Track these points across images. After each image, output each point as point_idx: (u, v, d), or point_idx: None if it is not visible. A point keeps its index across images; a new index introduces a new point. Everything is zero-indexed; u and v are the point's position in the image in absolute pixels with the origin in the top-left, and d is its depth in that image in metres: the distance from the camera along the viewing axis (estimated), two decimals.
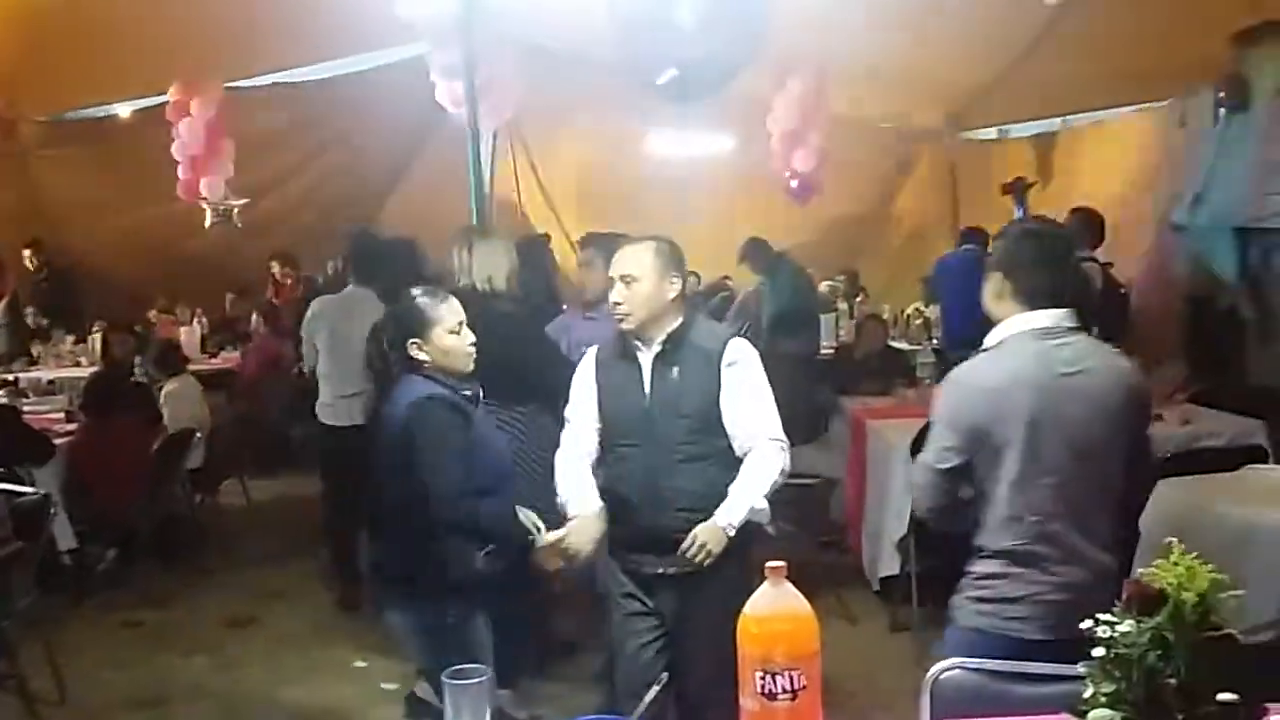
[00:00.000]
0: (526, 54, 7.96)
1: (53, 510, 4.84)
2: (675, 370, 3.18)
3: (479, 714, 1.78)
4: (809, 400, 5.98)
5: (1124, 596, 1.74)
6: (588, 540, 3.19)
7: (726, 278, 10.36)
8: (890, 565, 5.26)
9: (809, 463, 5.33)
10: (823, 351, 8.55)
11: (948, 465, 2.78)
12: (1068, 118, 9.99)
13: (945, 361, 5.70)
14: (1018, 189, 7.58)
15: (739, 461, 3.17)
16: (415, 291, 3.31)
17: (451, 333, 3.18)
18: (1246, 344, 6.57)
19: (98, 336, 8.79)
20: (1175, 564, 1.68)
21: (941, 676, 2.27)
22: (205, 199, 8.61)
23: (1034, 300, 2.78)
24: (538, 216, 10.82)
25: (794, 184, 9.08)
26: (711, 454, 3.16)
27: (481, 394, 3.29)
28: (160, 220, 9.67)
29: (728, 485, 3.13)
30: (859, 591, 5.46)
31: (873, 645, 4.85)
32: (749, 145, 9.64)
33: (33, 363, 9.02)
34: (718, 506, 3.10)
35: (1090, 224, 6.65)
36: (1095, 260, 6.59)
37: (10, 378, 8.30)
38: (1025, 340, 2.76)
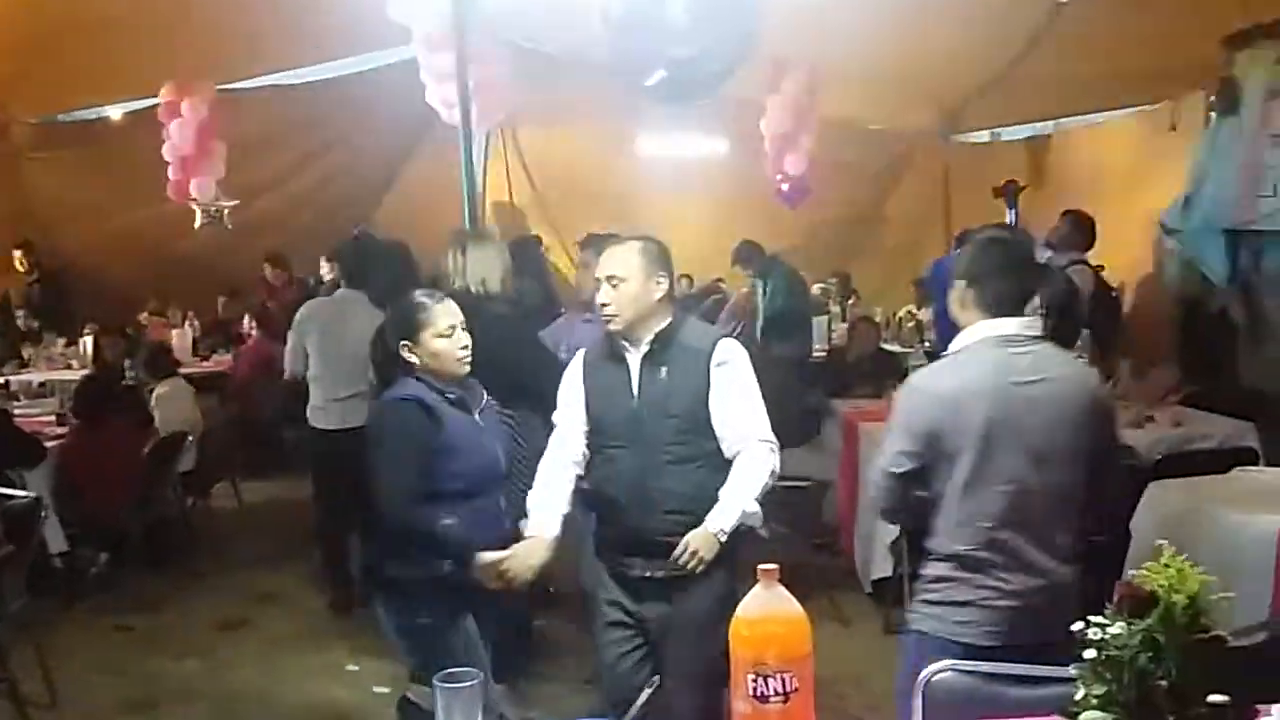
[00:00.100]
0: (518, 56, 7.96)
1: (44, 513, 4.84)
2: (664, 370, 3.16)
3: (470, 717, 1.78)
4: (801, 403, 5.99)
5: (1115, 599, 1.75)
6: (527, 568, 3.12)
7: (719, 280, 10.38)
8: (883, 567, 5.27)
9: (801, 465, 5.34)
10: (815, 354, 8.56)
11: (901, 470, 2.81)
12: (1060, 121, 10.02)
13: None
14: (1009, 192, 7.60)
15: (728, 464, 3.14)
16: (415, 293, 3.31)
17: (440, 336, 3.17)
18: (1237, 346, 6.59)
19: (89, 339, 8.76)
20: (1166, 566, 1.68)
21: (933, 679, 2.28)
22: (195, 200, 8.59)
23: (997, 308, 2.79)
24: (530, 218, 10.84)
25: (785, 187, 9.09)
26: (700, 456, 3.13)
27: (485, 397, 3.28)
28: (152, 222, 9.64)
29: (717, 488, 3.09)
30: (851, 594, 5.46)
31: (865, 647, 4.84)
32: (742, 148, 9.65)
33: (23, 365, 8.99)
34: (707, 509, 3.07)
35: (1081, 227, 6.67)
36: (1087, 263, 6.61)
37: (1, 380, 8.27)
38: (986, 348, 2.77)
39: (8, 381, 8.27)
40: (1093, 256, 6.70)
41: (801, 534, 5.41)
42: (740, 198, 10.22)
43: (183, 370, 7.60)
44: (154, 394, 6.74)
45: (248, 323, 9.42)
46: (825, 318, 9.42)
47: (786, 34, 6.80)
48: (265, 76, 9.31)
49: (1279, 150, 6.03)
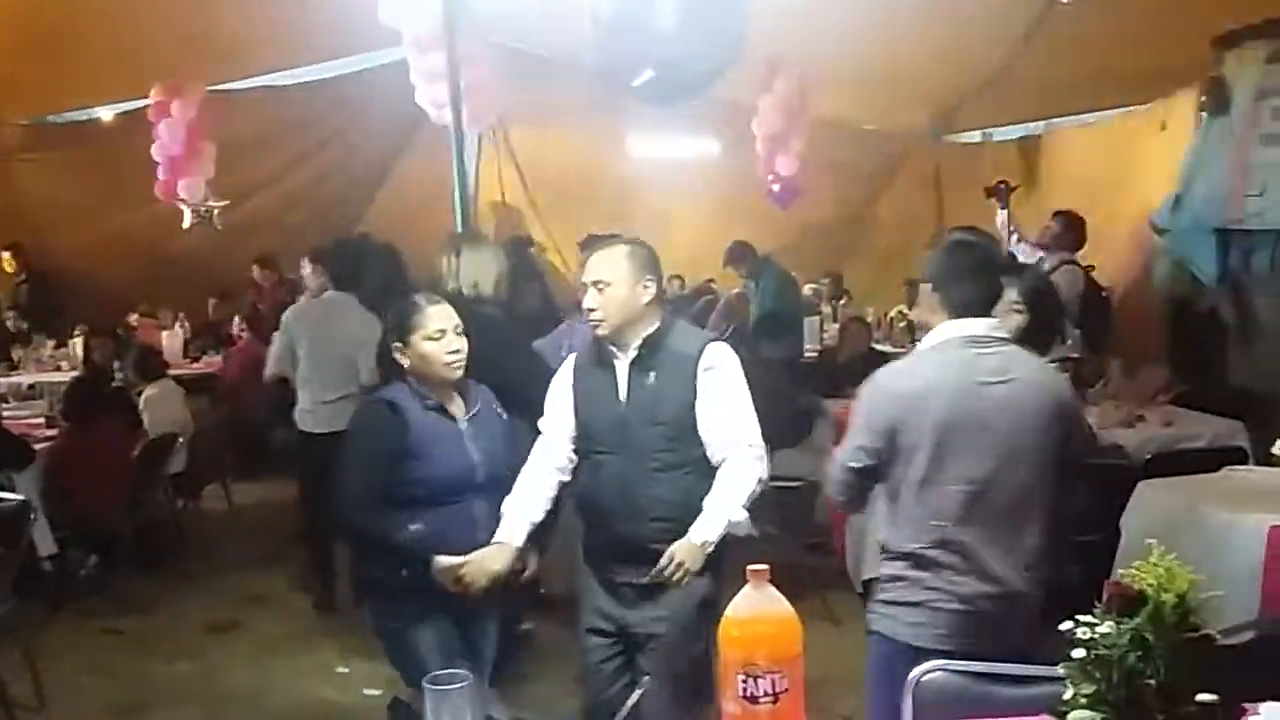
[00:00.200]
0: (509, 58, 7.96)
1: (32, 516, 4.82)
2: (651, 376, 3.12)
3: (459, 719, 1.78)
4: (793, 403, 5.98)
5: (1104, 598, 1.75)
6: (484, 573, 3.09)
7: (711, 281, 10.38)
8: (874, 567, 5.25)
9: (793, 466, 5.34)
10: (807, 354, 8.56)
11: (859, 464, 2.82)
12: (1051, 121, 10.04)
13: None
14: (1001, 192, 7.60)
15: (716, 470, 3.11)
16: (415, 295, 3.31)
17: (429, 339, 3.15)
18: (1227, 346, 6.61)
19: (78, 341, 8.74)
20: (1155, 565, 1.68)
21: (924, 678, 2.28)
22: (184, 200, 8.57)
23: (963, 311, 2.79)
24: (523, 219, 10.83)
25: (776, 188, 9.09)
26: (688, 462, 3.09)
27: (480, 404, 3.26)
28: (143, 224, 9.62)
29: (705, 495, 3.06)
30: (843, 594, 5.46)
31: (857, 648, 4.81)
32: (734, 149, 9.65)
33: (13, 368, 8.96)
34: (694, 516, 3.04)
35: (1072, 227, 6.69)
36: (1077, 263, 6.63)
37: None
38: (952, 348, 2.77)
39: None
40: (1083, 256, 6.73)
41: (793, 534, 5.41)
42: (732, 198, 10.23)
43: (173, 372, 7.58)
44: (143, 396, 6.71)
45: (238, 324, 9.40)
46: (817, 318, 9.42)
47: (778, 35, 6.81)
48: (257, 77, 9.29)
49: (1267, 150, 6.06)
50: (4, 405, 7.36)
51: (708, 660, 3.12)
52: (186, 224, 8.77)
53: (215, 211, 8.76)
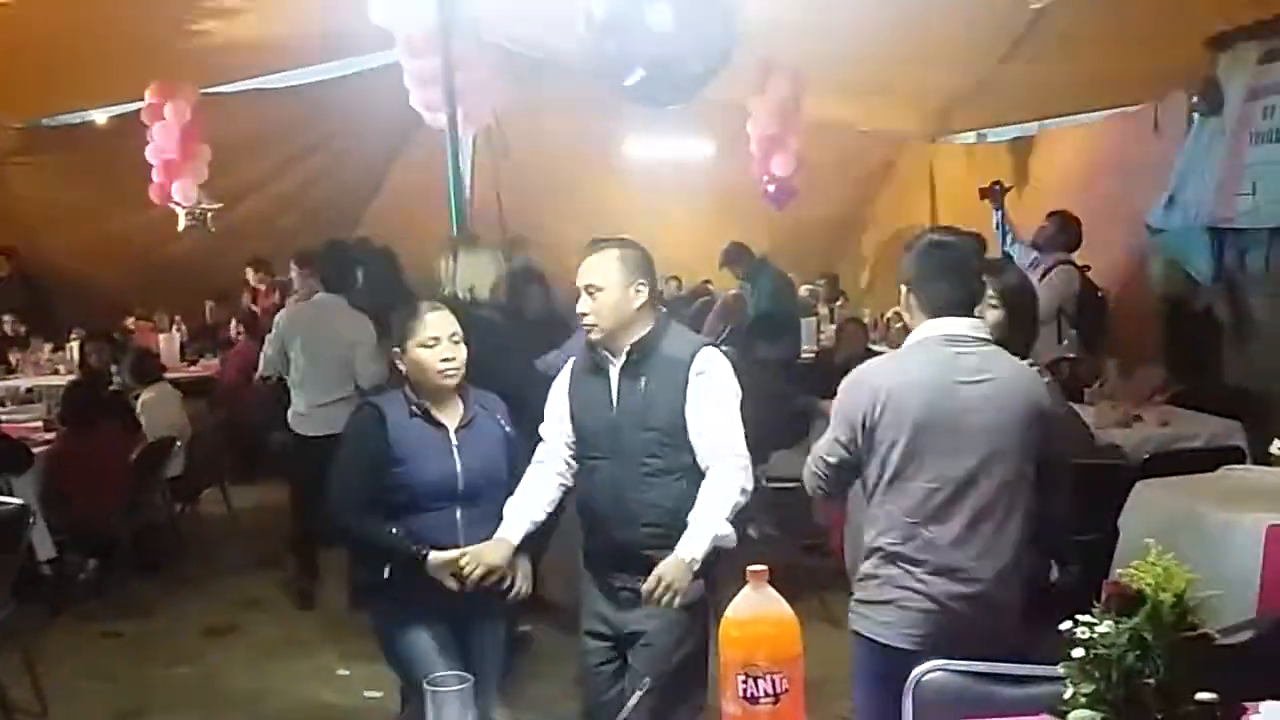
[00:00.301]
0: (504, 59, 7.96)
1: (31, 520, 4.81)
2: (643, 381, 3.10)
3: None
4: (790, 404, 5.99)
5: (1103, 597, 1.76)
6: (481, 564, 3.08)
7: (708, 282, 10.39)
8: None
9: (790, 466, 5.32)
10: (803, 355, 8.56)
11: (835, 459, 2.83)
12: (1045, 122, 10.05)
13: None
14: (995, 193, 7.62)
15: None
16: (420, 302, 3.32)
17: (423, 345, 3.15)
18: (1223, 345, 6.62)
19: (75, 345, 8.73)
20: (1153, 565, 1.69)
21: (924, 678, 2.28)
22: (178, 203, 8.56)
23: (941, 310, 2.79)
24: (517, 221, 10.81)
25: (771, 189, 9.10)
26: (680, 468, 3.07)
27: (478, 413, 3.24)
28: (139, 227, 9.60)
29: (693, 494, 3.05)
30: (841, 594, 5.38)
31: None
32: (730, 150, 9.65)
33: (10, 371, 8.95)
34: (670, 514, 3.03)
35: (1067, 227, 6.70)
36: (1073, 263, 6.64)
37: None
38: (931, 346, 2.78)
39: None
40: (1078, 257, 6.73)
41: (791, 535, 5.42)
42: (728, 200, 10.23)
43: (170, 375, 7.57)
44: (140, 399, 6.71)
45: (234, 327, 9.40)
46: (813, 319, 9.43)
47: (772, 37, 6.82)
48: (251, 80, 9.28)
49: (1258, 149, 6.07)
50: (2, 409, 7.35)
51: (697, 662, 3.13)
52: (181, 227, 8.76)
53: (209, 214, 8.75)
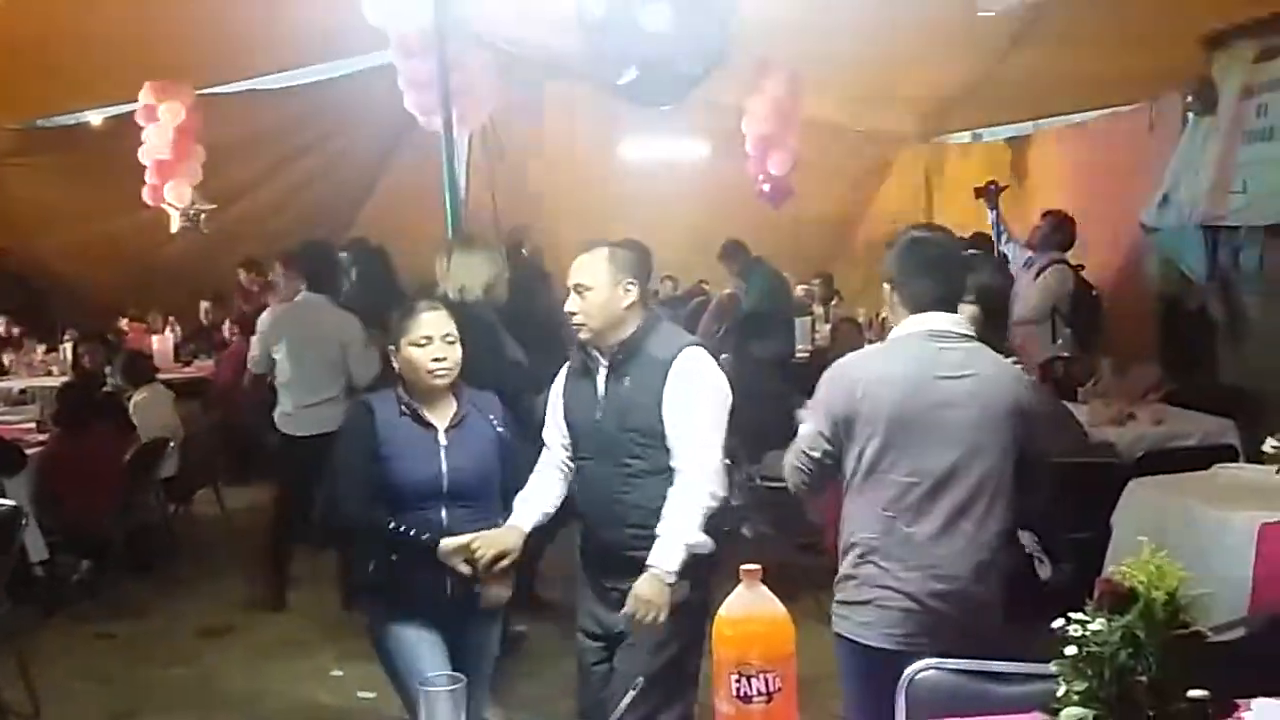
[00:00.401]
0: (499, 59, 7.95)
1: (24, 521, 4.80)
2: (627, 381, 3.08)
3: None
4: (784, 404, 5.99)
5: (1095, 595, 1.76)
6: (492, 547, 3.06)
7: (703, 282, 10.38)
8: None
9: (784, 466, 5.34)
10: (798, 355, 8.57)
11: (817, 452, 2.81)
12: (1040, 121, 10.07)
13: None
14: (990, 192, 7.63)
15: None
16: (419, 301, 3.30)
17: (414, 345, 3.14)
18: (1217, 344, 6.64)
19: (69, 346, 8.71)
20: (1146, 563, 1.69)
21: (917, 677, 2.28)
22: (171, 204, 8.54)
23: (923, 306, 2.79)
24: (512, 222, 10.81)
25: (767, 188, 9.10)
26: (663, 469, 3.04)
27: (470, 413, 3.22)
28: (133, 228, 9.59)
29: None
30: None
31: None
32: (726, 150, 9.66)
33: (3, 372, 8.93)
34: (656, 516, 3.00)
35: (1062, 227, 6.72)
36: (1067, 262, 6.65)
37: None
38: (913, 341, 2.78)
39: None
40: (1073, 256, 6.75)
41: (786, 534, 5.42)
42: (724, 200, 10.23)
43: (164, 376, 7.56)
44: (133, 400, 6.70)
45: (229, 328, 9.38)
46: (808, 319, 9.43)
47: (766, 36, 6.82)
48: (246, 80, 9.27)
49: (1250, 147, 6.09)
50: None
51: (687, 662, 3.11)
52: (175, 228, 8.75)
53: (203, 216, 8.74)
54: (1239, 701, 1.93)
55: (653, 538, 2.99)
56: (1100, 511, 4.33)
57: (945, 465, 2.69)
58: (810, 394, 2.93)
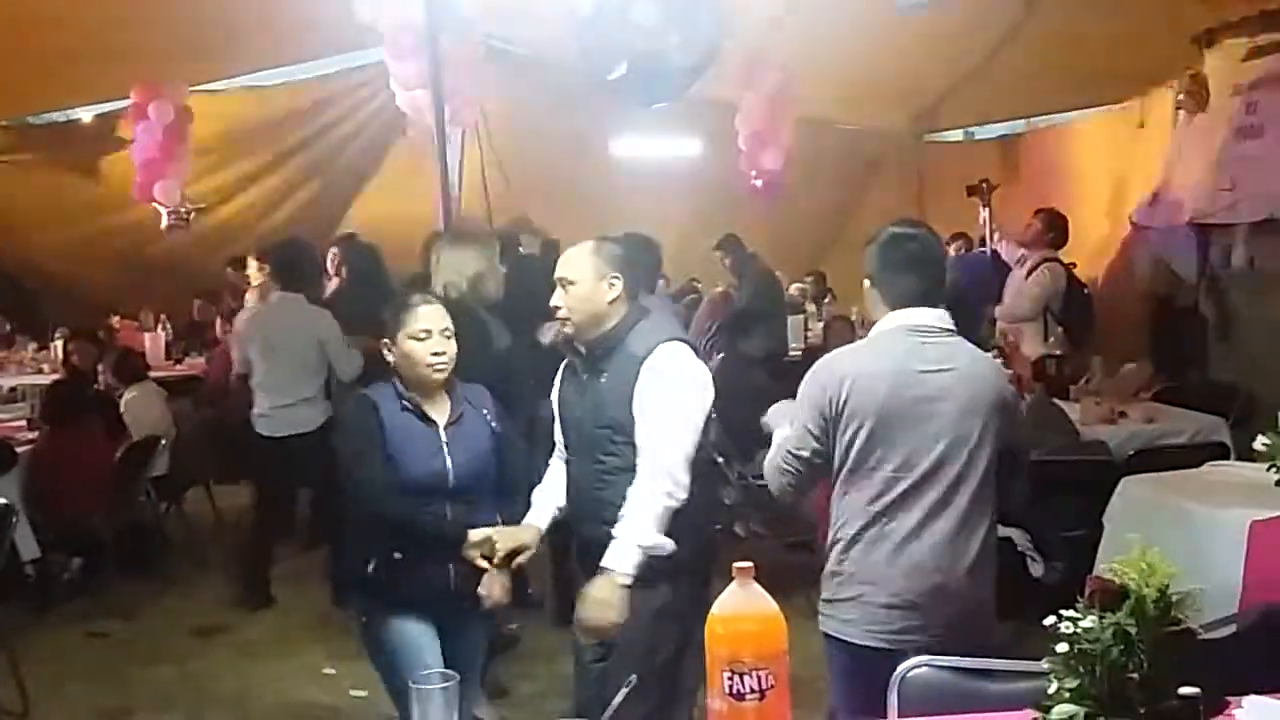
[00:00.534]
0: (491, 56, 7.95)
1: (14, 519, 4.78)
2: (604, 377, 3.05)
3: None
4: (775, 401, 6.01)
5: (1087, 592, 1.76)
6: (514, 541, 3.07)
7: (695, 280, 10.38)
8: None
9: None
10: (791, 353, 8.58)
11: (806, 451, 2.77)
12: (1032, 120, 10.09)
13: None
14: (983, 191, 7.65)
15: None
16: (412, 294, 3.28)
17: (413, 338, 3.12)
18: (1208, 341, 6.66)
19: (59, 344, 8.68)
20: (1137, 560, 1.69)
21: (909, 674, 2.28)
22: (160, 203, 8.52)
23: (904, 302, 2.79)
24: (506, 219, 10.80)
25: (759, 183, 9.11)
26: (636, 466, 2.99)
27: (466, 409, 3.21)
28: (124, 225, 9.58)
29: None
30: None
31: None
32: (719, 148, 9.67)
33: None
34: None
35: (1054, 225, 6.72)
36: (1059, 261, 6.66)
37: None
38: (895, 336, 2.78)
39: None
40: (1065, 254, 6.76)
41: (779, 533, 5.42)
42: (717, 198, 10.24)
43: (155, 374, 7.54)
44: (124, 398, 6.68)
45: (220, 326, 9.36)
46: (801, 317, 9.44)
47: (759, 34, 6.82)
48: (239, 77, 9.26)
49: (1239, 144, 6.11)
50: None
51: (677, 671, 3.09)
52: (164, 226, 8.73)
53: (191, 214, 8.72)
54: (1230, 699, 1.93)
55: None
56: (1092, 509, 4.34)
57: (931, 459, 2.69)
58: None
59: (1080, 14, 6.38)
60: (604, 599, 2.92)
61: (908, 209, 10.49)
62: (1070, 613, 1.71)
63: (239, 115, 9.57)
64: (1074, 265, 6.86)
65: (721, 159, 9.52)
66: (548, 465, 3.35)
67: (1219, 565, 3.55)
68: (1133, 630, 1.64)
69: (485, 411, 3.28)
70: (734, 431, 4.84)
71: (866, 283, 2.87)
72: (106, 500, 5.96)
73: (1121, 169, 7.74)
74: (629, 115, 8.50)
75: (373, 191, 10.95)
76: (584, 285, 3.06)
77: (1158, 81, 7.09)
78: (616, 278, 3.07)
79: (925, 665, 2.30)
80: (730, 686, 1.71)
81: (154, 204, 8.56)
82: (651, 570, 2.96)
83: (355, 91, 9.14)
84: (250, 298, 6.62)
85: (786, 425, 2.90)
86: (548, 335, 4.28)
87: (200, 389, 8.38)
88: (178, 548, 6.79)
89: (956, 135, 10.89)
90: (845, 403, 2.71)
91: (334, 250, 7.03)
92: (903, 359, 2.73)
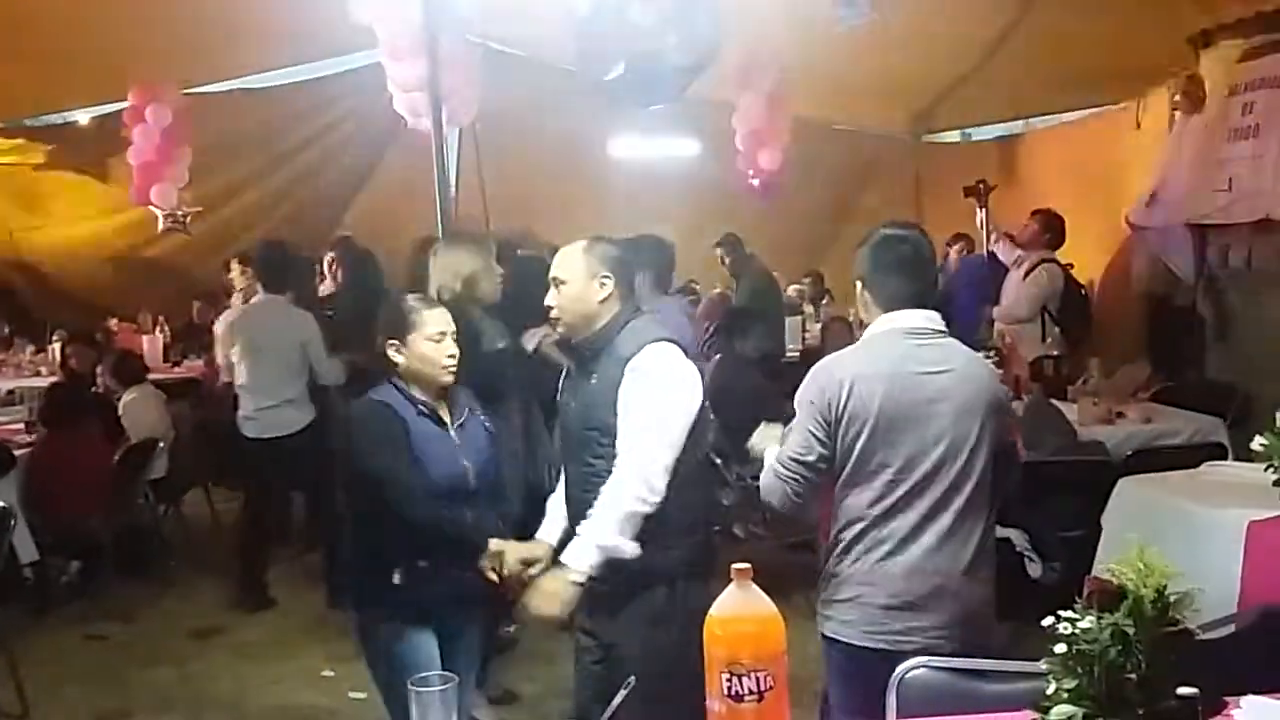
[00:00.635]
0: (488, 57, 7.94)
1: (13, 522, 4.78)
2: (594, 378, 3.02)
3: None
4: (774, 403, 6.01)
5: (1085, 593, 1.76)
6: (515, 560, 3.04)
7: (693, 282, 10.38)
8: None
9: None
10: (789, 354, 8.58)
11: (813, 456, 2.74)
12: (1029, 121, 10.10)
13: None
14: (980, 192, 7.65)
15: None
16: (408, 296, 3.27)
17: (430, 340, 3.11)
18: (1206, 342, 6.66)
19: (57, 346, 8.68)
20: (1135, 560, 1.70)
21: (908, 675, 2.29)
22: (157, 206, 8.52)
23: (896, 304, 2.79)
24: (504, 220, 10.81)
25: (756, 182, 9.11)
26: None
27: (468, 410, 3.21)
28: (122, 228, 9.58)
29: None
30: None
31: None
32: (716, 150, 9.65)
33: None
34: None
35: (1051, 225, 6.73)
36: (1057, 261, 6.67)
37: None
38: (890, 339, 2.78)
39: None
40: (1062, 254, 6.77)
41: (777, 534, 5.42)
42: (715, 199, 10.23)
43: (154, 376, 7.54)
44: (122, 401, 6.68)
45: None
46: (799, 318, 9.44)
47: (756, 33, 6.82)
48: (235, 79, 9.25)
49: (1235, 145, 6.11)
50: None
51: (677, 668, 3.08)
52: (160, 229, 8.73)
53: (189, 217, 8.71)
54: (1228, 699, 1.94)
55: None
56: (1090, 510, 4.35)
57: (931, 461, 2.69)
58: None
59: (1077, 15, 6.38)
60: (553, 592, 2.92)
61: (905, 210, 10.49)
62: (1068, 613, 1.71)
63: (236, 117, 9.56)
64: (1071, 266, 6.87)
65: (719, 160, 9.51)
66: (548, 467, 3.35)
67: (1217, 565, 3.55)
68: (1131, 631, 1.65)
69: (478, 413, 3.28)
70: (732, 432, 4.85)
71: (858, 284, 2.87)
72: (105, 503, 5.96)
73: (1118, 170, 7.74)
74: (627, 117, 8.50)
75: (371, 193, 10.95)
76: (575, 285, 3.04)
77: (1154, 83, 7.10)
78: (608, 277, 3.04)
79: (924, 666, 2.30)
80: (729, 688, 1.72)
81: (151, 207, 8.55)
82: (651, 571, 2.96)
83: (353, 93, 9.12)
84: (235, 301, 6.61)
85: (776, 445, 2.88)
86: (531, 342, 4.26)
87: (199, 391, 8.39)
88: (176, 550, 6.78)
89: (954, 136, 10.88)
90: (846, 406, 2.70)
91: (331, 253, 7.04)
92: (900, 361, 2.73)
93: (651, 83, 4.87)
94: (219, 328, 6.07)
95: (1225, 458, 4.77)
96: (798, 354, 8.65)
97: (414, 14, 5.85)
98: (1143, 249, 7.13)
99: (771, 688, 1.72)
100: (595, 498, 2.96)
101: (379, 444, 3.08)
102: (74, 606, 5.89)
